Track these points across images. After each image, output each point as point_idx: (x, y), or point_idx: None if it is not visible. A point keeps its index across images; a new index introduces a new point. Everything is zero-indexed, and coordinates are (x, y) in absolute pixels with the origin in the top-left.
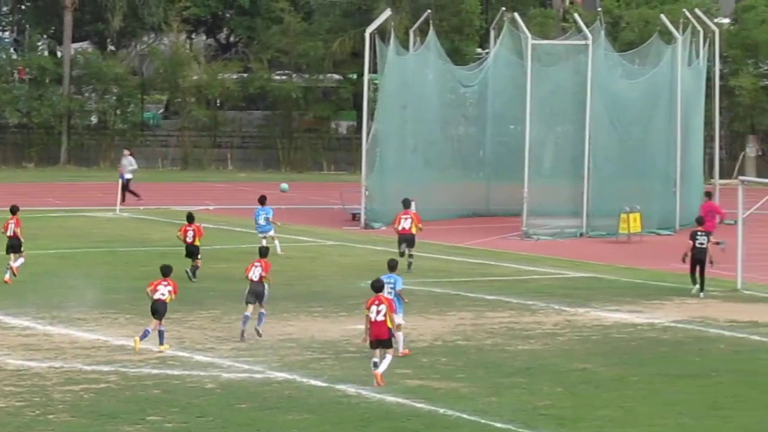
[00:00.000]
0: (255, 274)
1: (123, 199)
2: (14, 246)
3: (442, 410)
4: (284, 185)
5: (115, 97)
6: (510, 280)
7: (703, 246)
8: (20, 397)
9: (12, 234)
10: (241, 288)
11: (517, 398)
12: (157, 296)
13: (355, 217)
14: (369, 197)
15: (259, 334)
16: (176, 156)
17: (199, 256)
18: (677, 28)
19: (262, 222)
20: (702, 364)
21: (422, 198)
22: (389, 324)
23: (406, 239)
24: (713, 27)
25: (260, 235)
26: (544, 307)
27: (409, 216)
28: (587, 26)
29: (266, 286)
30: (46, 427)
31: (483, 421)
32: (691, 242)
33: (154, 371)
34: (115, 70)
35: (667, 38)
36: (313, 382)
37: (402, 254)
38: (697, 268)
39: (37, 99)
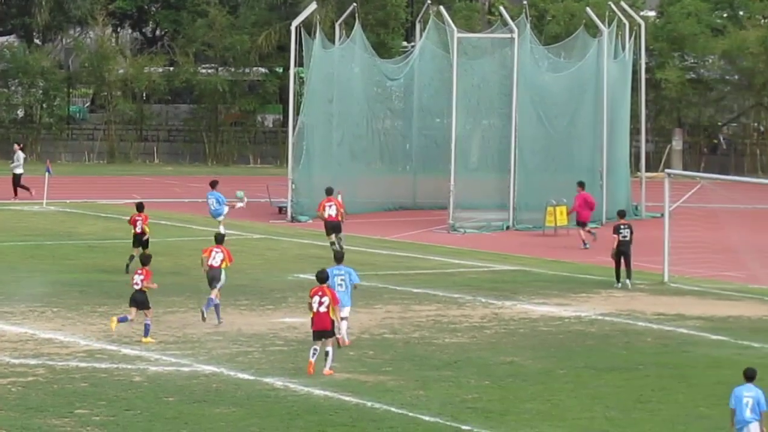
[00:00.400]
0: (216, 260)
1: (15, 194)
2: None
3: (369, 403)
4: (240, 193)
5: (41, 91)
6: (437, 273)
7: (627, 239)
8: None
9: None
10: (167, 282)
11: (445, 391)
12: (134, 286)
13: (281, 210)
14: (295, 191)
15: (203, 318)
16: (102, 149)
17: (147, 246)
18: (603, 21)
19: (213, 206)
20: (629, 357)
21: (348, 191)
22: (332, 315)
23: (333, 226)
24: (639, 20)
25: (216, 219)
26: (471, 300)
27: (333, 203)
28: (513, 19)
29: (224, 272)
30: None
31: (411, 414)
32: (615, 236)
33: (82, 364)
34: (41, 63)
35: (593, 31)
36: (240, 375)
37: (333, 243)
38: (622, 261)
39: None
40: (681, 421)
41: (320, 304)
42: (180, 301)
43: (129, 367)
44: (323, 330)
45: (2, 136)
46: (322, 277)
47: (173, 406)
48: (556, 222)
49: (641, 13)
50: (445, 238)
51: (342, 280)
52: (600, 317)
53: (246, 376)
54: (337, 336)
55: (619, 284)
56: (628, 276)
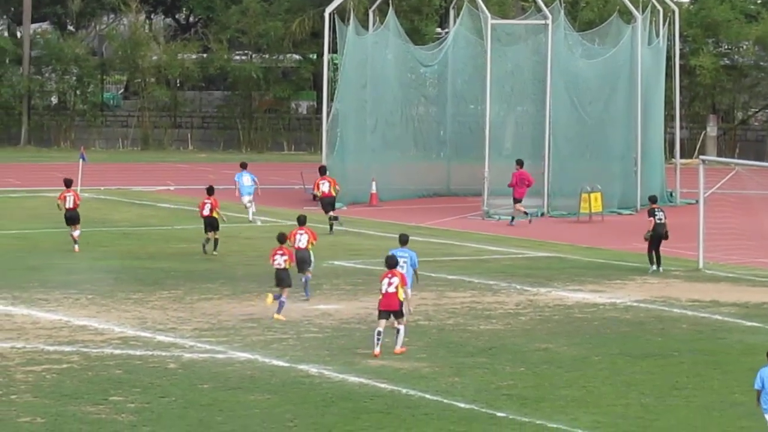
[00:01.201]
0: (302, 241)
1: None
2: (73, 218)
3: (404, 390)
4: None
5: (75, 78)
6: (471, 259)
7: (662, 221)
8: None
9: (72, 206)
10: (201, 268)
11: (480, 378)
12: (275, 266)
13: (315, 197)
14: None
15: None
16: (136, 136)
17: (218, 228)
18: (637, 8)
19: (247, 183)
20: (664, 344)
21: (382, 178)
22: (400, 296)
23: (329, 202)
24: (673, 6)
25: (245, 196)
26: (506, 287)
27: (326, 180)
28: (546, 6)
29: (311, 252)
30: (8, 407)
31: (446, 401)
32: (651, 218)
33: (117, 351)
34: (74, 50)
35: (627, 18)
36: (275, 362)
37: (331, 218)
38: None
39: None
40: (716, 408)
41: (389, 284)
42: (214, 288)
43: (163, 354)
44: (391, 309)
45: (37, 123)
46: (392, 263)
47: (208, 393)
48: (591, 208)
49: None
50: (479, 225)
51: (404, 262)
52: (635, 304)
53: (281, 363)
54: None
55: (654, 267)
56: (658, 262)
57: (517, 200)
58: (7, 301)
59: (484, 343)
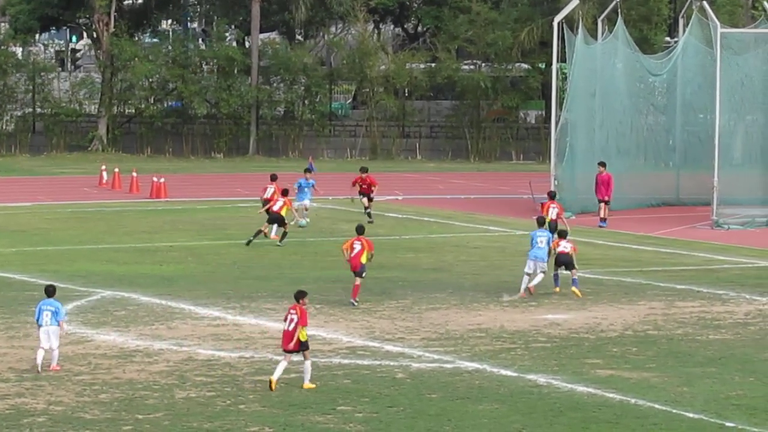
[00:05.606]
0: (552, 214)
1: None
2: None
3: (633, 400)
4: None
5: (302, 88)
6: (700, 269)
7: None
8: (211, 387)
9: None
10: (429, 278)
11: (709, 388)
12: None
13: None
14: (558, 187)
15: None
16: (365, 146)
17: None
18: None
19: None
20: None
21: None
22: None
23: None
24: None
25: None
26: (735, 297)
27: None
28: None
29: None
30: (237, 416)
31: (674, 410)
32: None
33: (344, 361)
34: (302, 60)
35: None
36: (503, 372)
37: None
38: None
39: (225, 90)
40: None
41: None
42: (442, 297)
43: (391, 363)
44: None
45: (265, 132)
46: None
47: (436, 403)
48: None
49: None
50: (708, 234)
51: (542, 241)
52: None
53: (509, 373)
54: (530, 286)
55: None
56: None
57: (608, 202)
58: (235, 310)
59: (713, 353)
